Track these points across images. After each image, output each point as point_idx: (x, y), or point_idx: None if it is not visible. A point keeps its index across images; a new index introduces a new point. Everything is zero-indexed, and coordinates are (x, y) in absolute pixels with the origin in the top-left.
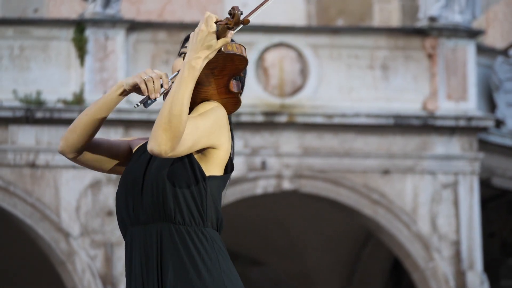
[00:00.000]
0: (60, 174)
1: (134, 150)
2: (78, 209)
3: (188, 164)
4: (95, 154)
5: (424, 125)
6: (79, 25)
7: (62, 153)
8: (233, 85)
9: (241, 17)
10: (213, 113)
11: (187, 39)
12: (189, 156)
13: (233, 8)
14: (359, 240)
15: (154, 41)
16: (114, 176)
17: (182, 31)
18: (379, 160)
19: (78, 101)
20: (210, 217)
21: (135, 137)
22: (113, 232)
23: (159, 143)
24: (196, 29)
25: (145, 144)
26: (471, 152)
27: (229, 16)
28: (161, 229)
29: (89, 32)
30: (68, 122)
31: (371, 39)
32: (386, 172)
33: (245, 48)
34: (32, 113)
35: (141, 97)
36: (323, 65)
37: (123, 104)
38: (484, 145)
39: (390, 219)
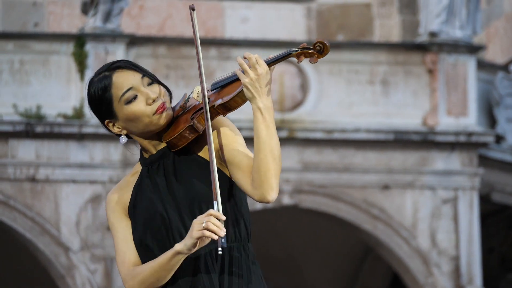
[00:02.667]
0: (60, 189)
1: (129, 202)
2: (78, 223)
3: (227, 183)
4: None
5: (424, 141)
6: (79, 40)
7: None
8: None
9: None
10: (236, 129)
11: (104, 91)
12: (222, 172)
13: (319, 40)
14: (358, 255)
15: (154, 55)
16: None
17: (182, 46)
18: (378, 175)
19: (78, 115)
20: (251, 230)
21: (110, 197)
22: (113, 246)
23: (277, 189)
24: (252, 76)
25: (140, 185)
26: (471, 168)
27: (314, 47)
28: (217, 251)
29: (89, 47)
30: (68, 136)
31: (371, 54)
32: (385, 187)
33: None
34: (32, 128)
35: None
36: (323, 80)
37: None
38: (484, 161)
39: (390, 234)
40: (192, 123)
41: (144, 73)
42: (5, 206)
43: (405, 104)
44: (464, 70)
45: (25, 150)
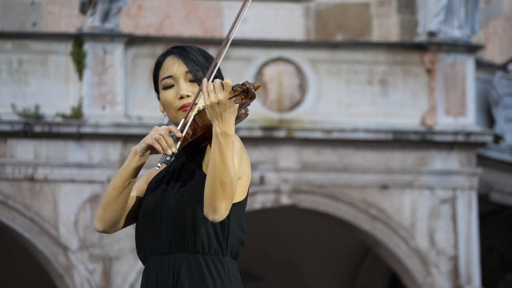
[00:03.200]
0: (59, 188)
1: (150, 180)
2: (76, 223)
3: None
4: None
5: (423, 140)
6: (78, 39)
7: (104, 232)
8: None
9: (254, 91)
10: (235, 149)
11: (156, 69)
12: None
13: (244, 84)
14: (357, 255)
15: (152, 55)
16: None
17: None
18: (377, 175)
19: (77, 115)
20: (230, 245)
21: (150, 171)
22: (112, 246)
23: (221, 212)
24: (213, 98)
25: (162, 172)
26: (469, 168)
27: (239, 88)
28: (179, 259)
29: (87, 46)
30: (66, 136)
31: (370, 54)
32: (384, 187)
33: (248, 83)
34: (31, 127)
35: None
36: (322, 80)
37: (121, 118)
38: (483, 161)
39: (389, 234)
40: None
41: (192, 69)
42: (4, 206)
43: (403, 104)
44: (462, 70)
45: (24, 149)
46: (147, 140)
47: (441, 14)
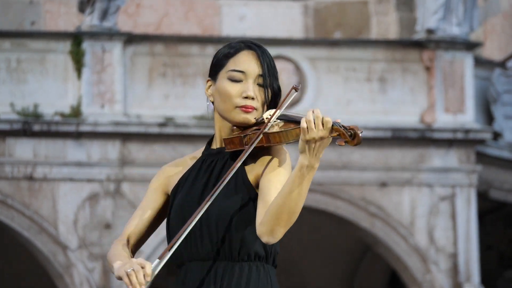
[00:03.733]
0: (58, 187)
1: (177, 182)
2: (76, 222)
3: (252, 201)
4: (146, 236)
5: (422, 138)
6: (76, 38)
7: None
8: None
9: (360, 137)
10: (288, 167)
11: (226, 56)
12: (253, 193)
13: (353, 128)
14: (356, 253)
15: (151, 54)
16: (112, 188)
17: (179, 44)
18: (376, 173)
19: (76, 114)
20: (273, 253)
21: (165, 169)
22: (111, 245)
23: (277, 237)
24: (313, 135)
25: (191, 172)
26: (468, 165)
27: (346, 132)
28: (224, 267)
29: (86, 45)
30: (65, 135)
31: (368, 51)
32: (383, 185)
33: (357, 128)
34: (30, 126)
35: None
36: (320, 77)
37: (120, 117)
38: (482, 158)
39: (388, 231)
40: (243, 136)
41: (265, 74)
42: (3, 204)
43: (402, 102)
44: (461, 67)
45: (23, 148)
46: (118, 272)
47: (440, 11)
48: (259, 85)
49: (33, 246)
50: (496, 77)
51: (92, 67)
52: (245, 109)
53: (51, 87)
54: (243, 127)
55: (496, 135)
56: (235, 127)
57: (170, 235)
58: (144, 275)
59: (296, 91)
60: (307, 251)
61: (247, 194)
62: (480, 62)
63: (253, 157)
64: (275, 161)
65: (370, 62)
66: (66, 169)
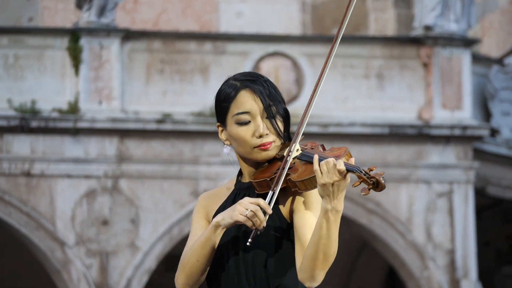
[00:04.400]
0: (55, 183)
1: (214, 214)
2: (73, 218)
3: (287, 237)
4: None
5: (419, 134)
6: (74, 34)
7: None
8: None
9: (384, 183)
10: (314, 199)
11: (227, 100)
12: (288, 228)
13: (375, 176)
14: (354, 249)
15: (149, 50)
16: (109, 185)
17: (177, 40)
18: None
19: (73, 110)
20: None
21: (202, 198)
22: (108, 241)
23: (319, 281)
24: (327, 180)
25: (226, 205)
26: (466, 161)
27: (369, 180)
28: None
29: (84, 41)
30: (63, 131)
31: (366, 48)
32: None
33: (378, 174)
34: (27, 122)
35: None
36: (318, 74)
37: (117, 113)
38: (479, 154)
39: (385, 228)
40: (269, 179)
41: (269, 106)
42: (0, 201)
43: (400, 98)
44: (459, 64)
45: (20, 145)
46: (236, 217)
47: (437, 8)
48: (267, 118)
49: (31, 243)
50: (493, 74)
51: (90, 63)
52: (264, 147)
53: (48, 84)
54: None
55: (494, 132)
56: (266, 164)
57: (211, 271)
58: (263, 211)
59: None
60: None
61: (281, 229)
62: (477, 59)
63: (284, 193)
64: (307, 196)
65: (368, 58)
66: (64, 165)
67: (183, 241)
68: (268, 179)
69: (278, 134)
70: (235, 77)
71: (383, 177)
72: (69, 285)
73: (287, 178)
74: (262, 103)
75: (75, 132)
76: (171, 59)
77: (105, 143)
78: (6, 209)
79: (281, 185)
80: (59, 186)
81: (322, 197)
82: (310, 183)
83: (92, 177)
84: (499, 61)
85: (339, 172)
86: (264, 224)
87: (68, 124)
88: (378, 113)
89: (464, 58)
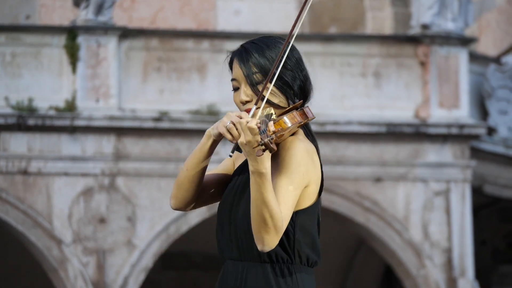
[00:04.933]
0: (52, 181)
1: (234, 171)
2: (70, 216)
3: None
4: (211, 192)
5: (416, 133)
6: (71, 32)
7: (178, 209)
8: (308, 113)
9: (273, 146)
10: (295, 162)
11: (230, 65)
12: None
13: (261, 138)
14: (351, 248)
15: (146, 48)
16: (106, 183)
17: (174, 39)
18: (371, 167)
19: (70, 108)
20: (298, 253)
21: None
22: (105, 239)
23: (267, 244)
24: (241, 139)
25: (240, 168)
26: (463, 160)
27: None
28: (247, 267)
29: (81, 39)
30: (60, 129)
31: (363, 47)
32: (378, 179)
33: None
34: (24, 120)
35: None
36: (315, 72)
37: (114, 111)
38: (476, 153)
39: (382, 226)
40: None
41: (249, 74)
42: None
43: (397, 97)
44: (456, 62)
45: (17, 143)
46: (219, 128)
47: (435, 6)
48: (251, 85)
49: (28, 240)
50: (490, 73)
51: (87, 61)
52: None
53: (46, 81)
54: None
55: (491, 130)
56: None
57: (216, 231)
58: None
59: None
60: None
61: None
62: (474, 58)
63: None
64: (280, 157)
65: (365, 57)
66: (61, 163)
67: (180, 239)
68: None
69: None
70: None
71: (276, 136)
72: (66, 283)
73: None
74: (242, 70)
75: (72, 130)
76: (169, 57)
77: (102, 141)
78: (3, 207)
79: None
80: (56, 184)
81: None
82: (281, 123)
83: (89, 175)
84: (496, 60)
85: (250, 130)
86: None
87: (65, 122)
88: (375, 111)
89: (461, 56)
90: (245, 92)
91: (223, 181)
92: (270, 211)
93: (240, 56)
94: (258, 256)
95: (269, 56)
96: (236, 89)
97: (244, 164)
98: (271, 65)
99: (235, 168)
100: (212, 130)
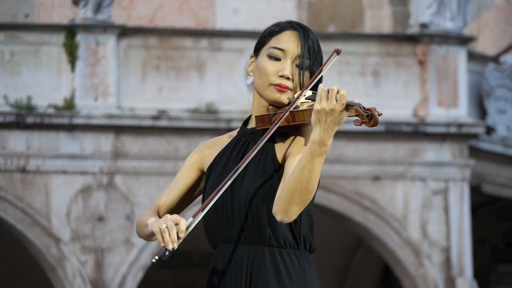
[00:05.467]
0: (51, 180)
1: (212, 161)
2: (68, 214)
3: (280, 181)
4: (181, 207)
5: (415, 132)
6: (70, 31)
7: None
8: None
9: (378, 119)
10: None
11: (270, 34)
12: (281, 173)
13: (371, 109)
14: (349, 247)
15: (145, 46)
16: (104, 181)
17: (173, 37)
18: (370, 166)
19: (69, 106)
20: (303, 238)
21: (202, 146)
22: (104, 237)
23: (291, 216)
24: (324, 105)
25: (225, 151)
26: (461, 159)
27: (364, 112)
28: (254, 251)
29: (80, 38)
30: (58, 127)
31: (362, 45)
32: (377, 178)
33: (375, 110)
34: (23, 118)
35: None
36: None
37: (113, 110)
38: (475, 152)
39: (381, 225)
40: (272, 114)
41: (304, 56)
42: None
43: (396, 96)
44: (454, 62)
45: (16, 141)
46: (152, 227)
47: (433, 5)
48: (297, 66)
49: (26, 239)
50: (489, 72)
51: (86, 59)
52: (279, 88)
53: (44, 80)
54: (278, 106)
55: (489, 130)
56: (270, 107)
57: (204, 217)
58: (177, 232)
59: (338, 54)
60: None
61: (276, 174)
62: (473, 57)
63: (284, 137)
64: (302, 140)
65: (364, 56)
66: (59, 161)
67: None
68: (272, 113)
69: (298, 85)
70: (289, 21)
71: (379, 115)
72: (64, 282)
73: (290, 111)
74: (301, 50)
75: (71, 128)
76: (167, 56)
77: (101, 140)
78: (1, 205)
79: (282, 123)
80: (54, 182)
81: (313, 126)
82: (309, 114)
83: (88, 173)
84: (495, 59)
85: (341, 97)
86: (175, 246)
87: (63, 120)
88: None
89: (460, 56)
90: (290, 70)
91: (189, 188)
92: (314, 184)
93: (303, 33)
94: (266, 240)
95: (319, 48)
96: (275, 58)
97: (234, 148)
98: (317, 58)
99: (212, 157)
100: (150, 225)
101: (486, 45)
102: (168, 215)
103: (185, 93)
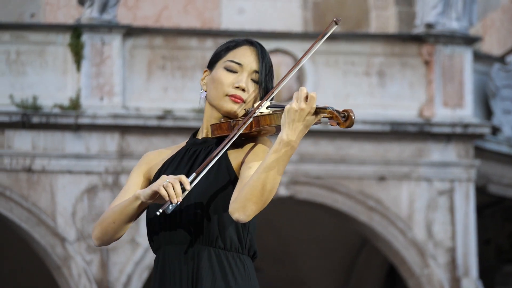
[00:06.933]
0: (56, 179)
1: (159, 168)
2: (74, 214)
3: (231, 191)
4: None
5: (420, 132)
6: (76, 30)
7: (101, 246)
8: None
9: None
10: (265, 152)
11: (227, 48)
12: (235, 180)
13: (347, 111)
14: (354, 247)
15: (150, 46)
16: (110, 181)
17: (178, 37)
18: (375, 166)
19: (74, 106)
20: (248, 244)
21: (149, 155)
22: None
23: (248, 214)
24: (294, 105)
25: (174, 159)
26: (467, 159)
27: (339, 114)
28: (201, 252)
29: (85, 37)
30: (64, 127)
31: (367, 45)
32: (382, 178)
33: (351, 111)
34: (29, 118)
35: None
36: (319, 71)
37: (119, 109)
38: (480, 152)
39: (386, 225)
40: (231, 121)
41: (261, 71)
42: (1, 196)
43: (401, 96)
44: (460, 62)
45: (21, 140)
46: (154, 187)
47: (439, 5)
48: (253, 80)
49: (31, 238)
50: (495, 72)
51: (91, 59)
52: (234, 98)
53: (50, 79)
54: (230, 118)
55: (495, 130)
56: (223, 119)
57: (149, 219)
58: (182, 185)
59: (336, 24)
60: (304, 244)
61: (229, 181)
62: (479, 57)
63: (238, 146)
64: (258, 148)
65: (369, 56)
66: (65, 161)
67: None
68: (232, 120)
69: (254, 100)
70: (245, 38)
71: (354, 117)
72: (69, 281)
73: (253, 117)
74: (258, 66)
75: (76, 128)
76: (173, 56)
77: (106, 139)
78: (7, 204)
79: (246, 129)
80: (60, 182)
81: (282, 125)
82: (275, 118)
83: (93, 173)
84: (501, 59)
85: (311, 99)
86: (180, 198)
87: (69, 120)
88: (379, 110)
89: (465, 56)
90: (246, 83)
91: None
92: (274, 185)
93: (260, 49)
94: (213, 241)
95: (272, 67)
96: (232, 71)
97: (183, 156)
98: (271, 76)
99: (159, 165)
100: (142, 193)
101: (491, 45)
102: (164, 175)
103: (190, 93)
